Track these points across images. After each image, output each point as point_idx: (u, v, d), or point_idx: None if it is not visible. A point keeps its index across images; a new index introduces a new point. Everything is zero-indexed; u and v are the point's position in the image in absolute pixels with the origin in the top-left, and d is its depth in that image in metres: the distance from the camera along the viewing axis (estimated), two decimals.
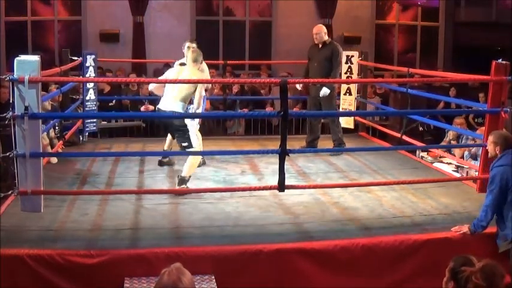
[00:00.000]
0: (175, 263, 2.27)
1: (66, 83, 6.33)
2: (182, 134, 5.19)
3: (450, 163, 6.81)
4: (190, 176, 5.21)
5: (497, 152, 4.08)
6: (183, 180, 5.15)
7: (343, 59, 7.48)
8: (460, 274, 2.33)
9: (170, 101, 5.23)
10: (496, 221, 4.06)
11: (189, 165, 5.19)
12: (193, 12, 11.64)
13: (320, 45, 6.81)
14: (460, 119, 7.11)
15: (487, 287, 2.28)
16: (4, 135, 5.11)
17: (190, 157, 5.21)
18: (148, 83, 9.00)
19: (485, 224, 4.03)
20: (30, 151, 3.87)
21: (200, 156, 5.70)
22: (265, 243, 3.91)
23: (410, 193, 5.15)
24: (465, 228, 4.10)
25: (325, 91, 6.65)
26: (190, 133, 5.24)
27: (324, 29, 6.86)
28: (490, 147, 4.15)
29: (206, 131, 7.97)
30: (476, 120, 8.64)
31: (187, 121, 5.31)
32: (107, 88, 9.29)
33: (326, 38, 6.84)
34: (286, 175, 4.37)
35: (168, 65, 10.73)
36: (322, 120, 7.39)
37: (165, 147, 6.16)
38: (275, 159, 4.53)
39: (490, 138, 4.16)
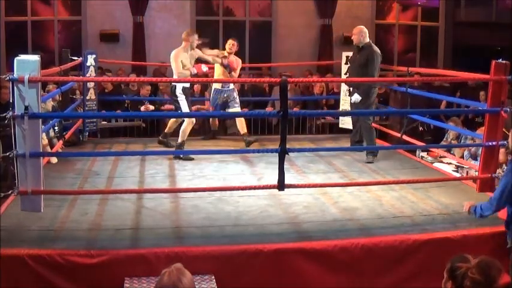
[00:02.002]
0: (176, 264, 2.27)
1: (66, 83, 6.34)
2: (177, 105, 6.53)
3: (450, 163, 6.81)
4: (183, 141, 6.52)
5: None
6: (179, 146, 6.51)
7: (342, 60, 7.50)
8: (457, 271, 2.33)
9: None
10: (508, 218, 4.03)
11: (181, 132, 6.53)
12: (193, 12, 11.65)
13: (359, 48, 6.52)
14: (451, 121, 7.12)
15: (484, 281, 2.28)
16: (4, 135, 5.10)
17: (183, 125, 6.54)
18: (149, 83, 9.10)
19: (485, 214, 4.04)
20: (30, 151, 3.87)
21: (193, 122, 6.64)
22: (265, 243, 3.91)
23: (410, 193, 5.15)
24: (470, 204, 4.15)
25: (356, 97, 6.36)
26: (181, 106, 6.46)
27: (363, 31, 6.51)
28: (510, 142, 4.12)
29: (206, 131, 7.99)
30: (476, 120, 8.63)
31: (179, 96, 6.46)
32: (109, 87, 9.31)
33: (366, 40, 6.50)
34: (286, 175, 4.37)
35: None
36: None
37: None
38: (275, 158, 4.53)
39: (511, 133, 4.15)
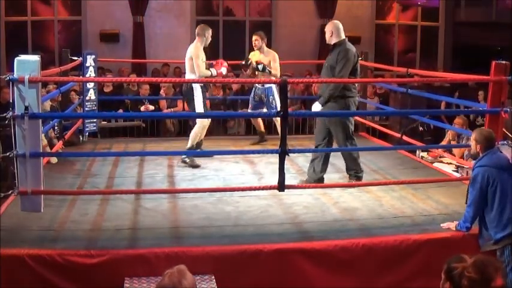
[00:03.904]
0: (179, 265, 2.27)
1: (66, 83, 6.34)
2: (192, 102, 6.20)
3: (450, 163, 6.81)
4: (193, 146, 6.20)
5: (479, 150, 4.08)
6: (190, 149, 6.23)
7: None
8: (454, 271, 2.33)
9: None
10: (479, 220, 4.06)
11: (191, 136, 6.23)
12: (193, 12, 11.65)
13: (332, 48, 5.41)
14: (460, 119, 7.10)
15: (481, 280, 2.28)
16: (4, 135, 5.10)
17: (194, 128, 6.23)
18: (149, 83, 9.12)
19: (469, 224, 4.07)
20: (30, 151, 3.87)
21: (205, 127, 6.35)
22: (265, 243, 3.91)
23: (410, 193, 5.15)
24: (452, 225, 4.16)
25: (316, 106, 5.28)
26: (196, 104, 6.16)
27: (333, 28, 5.33)
28: (472, 144, 4.15)
29: (206, 131, 7.97)
30: (477, 123, 8.63)
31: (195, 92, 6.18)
32: (109, 88, 9.31)
33: (338, 37, 5.31)
34: (286, 175, 4.37)
35: (167, 65, 10.84)
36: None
37: None
38: (275, 159, 4.53)
39: (473, 135, 4.16)
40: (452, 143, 7.28)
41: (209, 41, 6.35)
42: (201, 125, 6.25)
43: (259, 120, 7.41)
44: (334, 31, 5.29)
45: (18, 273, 3.60)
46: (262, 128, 7.38)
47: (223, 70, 6.43)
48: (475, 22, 12.28)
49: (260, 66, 6.83)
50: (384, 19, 12.80)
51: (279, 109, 6.20)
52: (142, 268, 3.70)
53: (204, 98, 6.28)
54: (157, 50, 11.20)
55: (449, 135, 7.43)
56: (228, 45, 11.72)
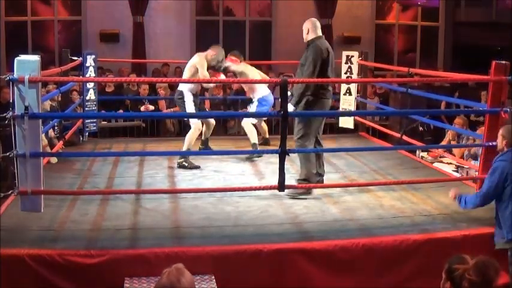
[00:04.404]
0: (177, 264, 2.27)
1: (66, 83, 6.34)
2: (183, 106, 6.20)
3: (450, 163, 6.81)
4: (188, 149, 6.11)
5: (504, 145, 4.09)
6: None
7: (343, 59, 7.48)
8: (455, 273, 2.33)
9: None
10: (495, 218, 4.08)
11: (186, 139, 6.11)
12: (193, 12, 11.66)
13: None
14: (460, 119, 7.11)
15: (481, 282, 2.29)
16: (4, 135, 5.11)
17: (189, 132, 6.15)
18: (149, 82, 9.12)
19: (469, 207, 4.15)
20: (30, 151, 3.87)
21: (198, 131, 6.24)
22: (265, 243, 3.91)
23: (410, 193, 5.15)
24: (455, 193, 4.25)
25: (289, 106, 4.74)
26: (186, 106, 6.14)
27: (307, 26, 5.14)
28: (498, 140, 4.16)
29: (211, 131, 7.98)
30: (477, 120, 8.62)
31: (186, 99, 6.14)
32: (111, 88, 9.32)
33: (312, 35, 5.10)
34: (286, 175, 4.38)
35: (167, 65, 10.85)
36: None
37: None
38: (275, 159, 4.53)
39: (500, 131, 4.17)
40: (452, 143, 7.29)
41: (214, 64, 6.20)
42: (196, 127, 6.16)
43: (265, 125, 7.26)
44: (311, 28, 5.11)
45: (18, 273, 3.60)
46: (267, 134, 7.22)
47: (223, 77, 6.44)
48: (475, 22, 12.28)
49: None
50: (384, 19, 12.80)
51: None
52: (142, 268, 3.69)
53: (196, 105, 6.16)
54: (157, 50, 11.21)
55: (449, 135, 7.43)
56: (228, 45, 11.69)
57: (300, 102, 5.01)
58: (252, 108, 6.82)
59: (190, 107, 6.14)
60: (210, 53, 6.24)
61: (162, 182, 5.52)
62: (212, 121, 6.62)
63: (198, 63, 6.13)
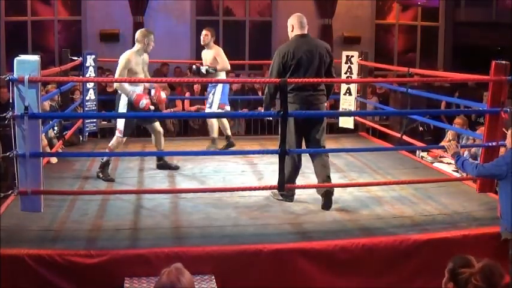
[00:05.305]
0: (176, 263, 2.27)
1: (66, 83, 6.33)
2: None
3: (450, 163, 6.80)
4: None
5: None
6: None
7: (343, 59, 7.47)
8: (460, 276, 2.33)
9: None
10: (500, 209, 4.07)
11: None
12: (193, 12, 11.65)
13: None
14: (460, 119, 7.10)
15: (487, 287, 2.29)
16: (4, 135, 5.10)
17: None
18: (148, 82, 9.09)
19: (463, 170, 4.29)
20: (30, 151, 3.86)
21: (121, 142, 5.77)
22: (265, 243, 3.91)
23: (411, 193, 5.15)
24: (454, 150, 4.28)
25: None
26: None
27: (288, 24, 5.01)
28: (508, 141, 4.13)
29: (206, 131, 7.98)
30: (478, 120, 8.62)
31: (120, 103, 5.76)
32: (112, 87, 9.29)
33: (291, 35, 4.95)
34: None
35: (167, 65, 10.84)
36: None
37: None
38: (275, 159, 4.52)
39: (510, 131, 4.15)
40: (453, 143, 7.28)
41: (150, 48, 5.78)
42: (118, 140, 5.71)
43: (226, 122, 6.95)
44: (296, 25, 4.89)
45: (18, 273, 3.61)
46: (229, 132, 6.95)
47: (163, 94, 6.06)
48: (475, 22, 12.28)
49: (203, 69, 6.59)
50: (384, 19, 12.80)
51: (213, 106, 6.58)
52: (142, 268, 3.69)
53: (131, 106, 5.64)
54: (157, 50, 11.16)
55: (449, 135, 7.43)
56: (228, 45, 11.70)
57: (266, 104, 4.83)
58: (217, 91, 6.66)
59: (122, 107, 5.71)
60: (136, 45, 5.76)
61: (162, 182, 5.52)
62: (160, 129, 5.97)
63: (119, 61, 5.70)
